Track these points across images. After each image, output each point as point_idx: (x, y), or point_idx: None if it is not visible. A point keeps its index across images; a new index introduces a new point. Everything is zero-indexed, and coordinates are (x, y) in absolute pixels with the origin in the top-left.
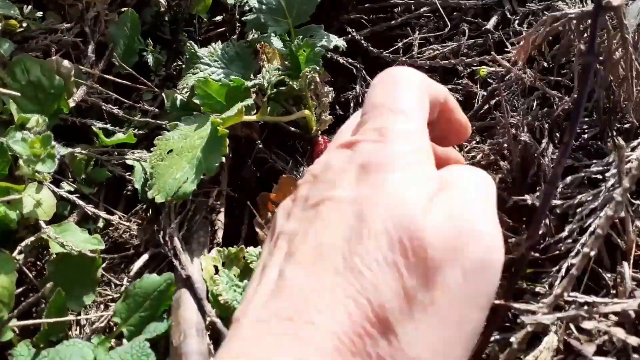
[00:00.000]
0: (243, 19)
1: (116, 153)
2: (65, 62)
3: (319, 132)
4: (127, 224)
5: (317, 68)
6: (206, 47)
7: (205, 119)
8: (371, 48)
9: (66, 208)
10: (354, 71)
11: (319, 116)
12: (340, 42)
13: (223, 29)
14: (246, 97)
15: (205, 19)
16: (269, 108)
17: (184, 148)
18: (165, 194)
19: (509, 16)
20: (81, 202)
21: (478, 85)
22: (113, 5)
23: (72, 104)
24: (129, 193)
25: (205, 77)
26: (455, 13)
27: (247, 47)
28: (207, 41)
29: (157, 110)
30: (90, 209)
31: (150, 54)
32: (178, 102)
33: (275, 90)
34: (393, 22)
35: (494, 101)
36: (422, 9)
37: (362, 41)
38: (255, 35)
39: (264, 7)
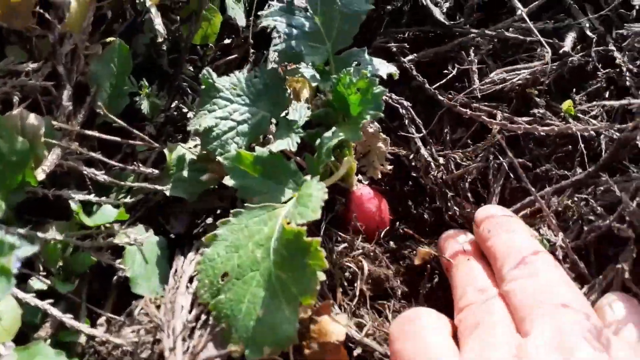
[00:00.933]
0: (271, 49)
1: (102, 230)
2: (32, 117)
3: (360, 182)
4: (117, 340)
5: (381, 115)
6: (227, 76)
7: (256, 212)
8: (420, 79)
9: (36, 315)
10: (399, 109)
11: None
12: (392, 68)
13: (234, 56)
14: (290, 168)
15: (211, 44)
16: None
17: (244, 265)
18: (257, 347)
19: (589, 33)
20: (56, 312)
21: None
22: (95, 35)
23: (41, 175)
24: (120, 280)
25: (238, 152)
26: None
27: (277, 77)
28: (215, 72)
29: (155, 171)
30: (68, 320)
31: (144, 98)
32: (186, 159)
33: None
34: (443, 45)
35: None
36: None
37: (411, 69)
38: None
39: (295, 31)
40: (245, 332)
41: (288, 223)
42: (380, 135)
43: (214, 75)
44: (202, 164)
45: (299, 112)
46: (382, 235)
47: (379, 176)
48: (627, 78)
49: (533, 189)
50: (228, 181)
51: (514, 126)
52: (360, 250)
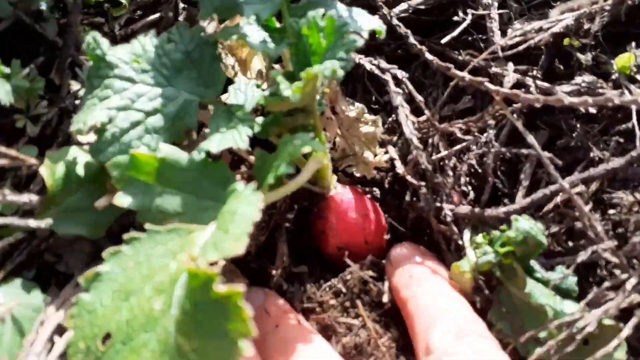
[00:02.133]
0: None
1: None
2: None
3: (340, 183)
4: None
5: (347, 65)
6: (127, 44)
7: (162, 238)
8: (403, 30)
9: None
10: (386, 80)
11: (341, 156)
12: (375, 22)
13: (157, 15)
14: (227, 179)
15: (124, 1)
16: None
17: (136, 323)
18: None
19: None
20: None
21: None
22: None
23: None
24: None
25: (134, 156)
26: None
27: (205, 41)
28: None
29: (33, 199)
30: None
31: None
32: (79, 173)
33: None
34: None
35: None
36: None
37: (399, 26)
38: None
39: None
40: None
41: (195, 260)
42: (366, 117)
43: (105, 43)
44: (102, 179)
45: (245, 92)
46: (374, 255)
47: (373, 173)
48: None
49: (558, 176)
50: (119, 200)
51: (527, 97)
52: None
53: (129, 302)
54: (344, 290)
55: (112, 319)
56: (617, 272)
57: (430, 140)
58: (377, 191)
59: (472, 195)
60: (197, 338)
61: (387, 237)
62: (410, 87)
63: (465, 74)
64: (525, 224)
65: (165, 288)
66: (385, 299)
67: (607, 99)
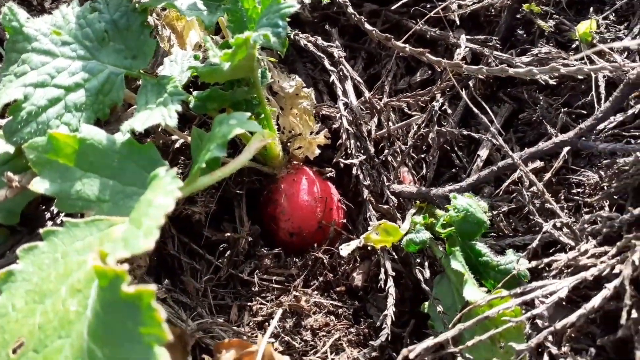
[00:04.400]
0: None
1: None
2: None
3: (291, 164)
4: None
5: (281, 32)
6: (47, 15)
7: (81, 232)
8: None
9: None
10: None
11: (289, 137)
12: None
13: None
14: (155, 162)
15: None
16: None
17: (49, 327)
18: None
19: None
20: None
21: None
22: None
23: None
24: None
25: (52, 136)
26: None
27: (132, 9)
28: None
29: None
30: None
31: None
32: None
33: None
34: None
35: None
36: None
37: None
38: None
39: None
40: None
41: (105, 257)
42: (303, 92)
43: (22, 14)
44: (18, 162)
45: (179, 64)
46: (328, 242)
47: (316, 152)
48: None
49: (508, 149)
50: (36, 185)
51: (470, 68)
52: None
53: (44, 305)
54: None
55: (26, 323)
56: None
57: (378, 118)
58: (332, 172)
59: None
60: (109, 344)
61: (343, 220)
62: (347, 66)
63: (405, 46)
64: (463, 201)
65: (82, 288)
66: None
67: (552, 68)
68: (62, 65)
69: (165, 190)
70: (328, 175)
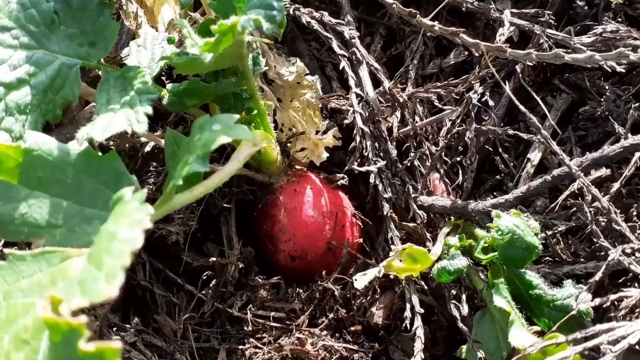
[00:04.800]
0: None
1: None
2: None
3: (292, 170)
4: None
5: (277, 15)
6: None
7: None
8: None
9: None
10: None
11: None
12: None
13: None
14: (119, 177)
15: None
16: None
17: None
18: None
19: None
20: None
21: None
22: None
23: None
24: None
25: None
26: None
27: None
28: None
29: None
30: None
31: None
32: None
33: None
34: None
35: None
36: None
37: None
38: None
39: None
40: None
41: (58, 305)
42: (306, 80)
43: None
44: None
45: (149, 49)
46: (340, 269)
47: (323, 155)
48: None
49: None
50: None
51: (516, 53)
52: None
53: None
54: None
55: None
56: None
57: (402, 113)
58: (344, 179)
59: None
60: None
61: (358, 240)
62: (361, 48)
63: (434, 23)
64: (508, 221)
65: (30, 338)
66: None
67: (620, 54)
68: (0, 57)
69: (131, 220)
70: (339, 183)
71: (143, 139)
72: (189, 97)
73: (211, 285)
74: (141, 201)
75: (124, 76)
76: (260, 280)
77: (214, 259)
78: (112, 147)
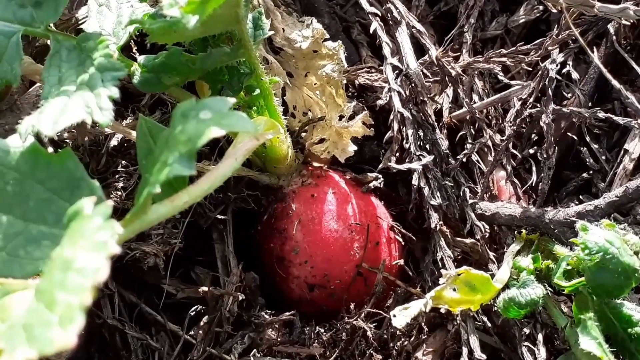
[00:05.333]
0: None
1: None
2: None
3: (307, 169)
4: None
5: None
6: None
7: None
8: None
9: None
10: None
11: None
12: None
13: None
14: (76, 183)
15: None
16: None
17: None
18: None
19: None
20: None
21: None
22: None
23: None
24: None
25: None
26: None
27: None
28: None
29: None
30: None
31: None
32: None
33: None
34: None
35: None
36: None
37: None
38: None
39: None
40: None
41: None
42: (325, 47)
43: None
44: None
45: (114, 10)
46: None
47: (349, 149)
48: None
49: None
50: None
51: (610, 7)
52: None
53: None
54: None
55: None
56: None
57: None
58: (379, 179)
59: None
60: None
61: (398, 262)
62: (400, 4)
63: None
64: (598, 235)
65: None
66: None
67: None
68: None
69: (93, 242)
70: (371, 186)
71: (108, 130)
72: (168, 73)
73: (202, 323)
74: (105, 217)
75: (80, 47)
76: (267, 316)
77: (204, 288)
78: (66, 143)
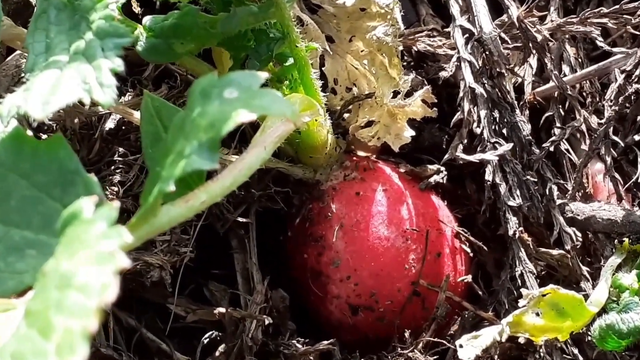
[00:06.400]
0: None
1: None
2: None
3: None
4: None
5: None
6: None
7: None
8: None
9: None
10: None
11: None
12: None
13: None
14: (70, 177)
15: None
16: None
17: None
18: None
19: None
20: None
21: None
22: None
23: None
24: None
25: None
26: None
27: None
28: None
29: None
30: None
31: None
32: None
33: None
34: None
35: None
36: None
37: None
38: None
39: None
40: None
41: None
42: (375, 4)
43: None
44: None
45: None
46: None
47: (405, 134)
48: None
49: None
50: None
51: None
52: None
53: None
54: None
55: None
56: None
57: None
58: (442, 173)
59: None
60: None
61: (465, 278)
62: None
63: None
64: None
65: None
66: None
67: None
68: None
69: (97, 253)
70: (432, 181)
71: (101, 110)
72: (181, 38)
73: (217, 353)
74: (110, 221)
75: (73, 5)
76: (299, 345)
77: (221, 309)
78: (53, 126)
